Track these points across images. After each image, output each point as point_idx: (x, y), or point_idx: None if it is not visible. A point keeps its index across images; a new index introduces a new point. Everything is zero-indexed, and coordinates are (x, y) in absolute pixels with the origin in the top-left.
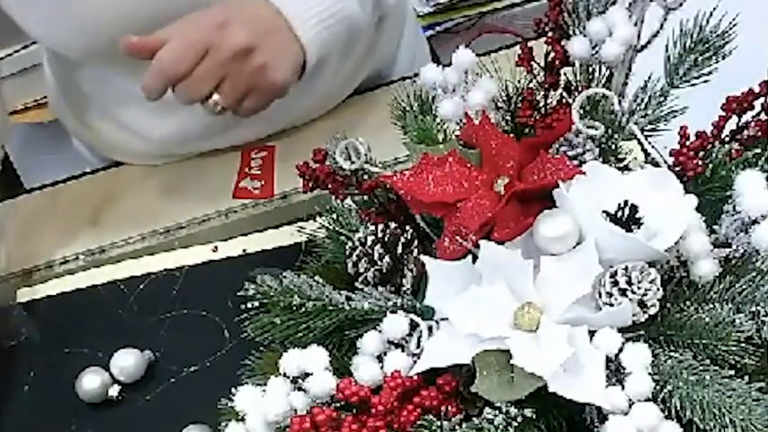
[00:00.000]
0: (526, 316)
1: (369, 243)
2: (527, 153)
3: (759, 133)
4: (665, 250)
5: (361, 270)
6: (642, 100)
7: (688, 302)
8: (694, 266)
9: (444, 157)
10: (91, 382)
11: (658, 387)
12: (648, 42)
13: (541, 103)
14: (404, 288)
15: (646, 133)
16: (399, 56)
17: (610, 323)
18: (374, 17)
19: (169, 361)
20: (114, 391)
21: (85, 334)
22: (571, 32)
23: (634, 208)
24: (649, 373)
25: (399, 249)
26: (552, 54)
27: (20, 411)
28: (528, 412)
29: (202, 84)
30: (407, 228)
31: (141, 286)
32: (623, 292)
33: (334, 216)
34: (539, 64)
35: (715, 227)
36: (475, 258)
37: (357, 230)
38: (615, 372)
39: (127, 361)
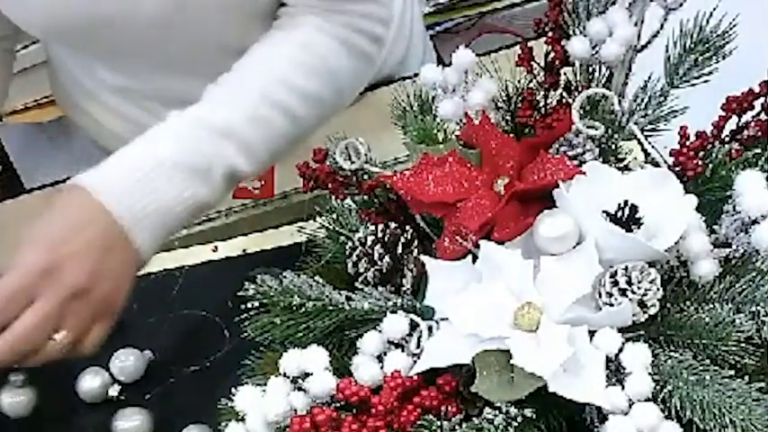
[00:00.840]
0: (526, 316)
1: (369, 243)
2: (527, 153)
3: (759, 133)
4: (665, 250)
5: (361, 270)
6: (642, 100)
7: (688, 302)
8: (694, 266)
9: (444, 157)
10: (91, 381)
11: (658, 387)
12: (648, 42)
13: (541, 103)
14: (404, 288)
15: (646, 133)
16: (409, 57)
17: (610, 323)
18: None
19: (169, 361)
20: (114, 390)
21: None
22: (571, 32)
23: (634, 208)
24: (649, 373)
25: (399, 249)
26: (552, 54)
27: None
28: (528, 412)
29: (38, 330)
30: (407, 228)
31: (141, 286)
32: (623, 292)
33: (334, 216)
34: (539, 64)
35: (715, 227)
36: (475, 258)
37: (357, 230)
38: (615, 372)
39: (127, 361)
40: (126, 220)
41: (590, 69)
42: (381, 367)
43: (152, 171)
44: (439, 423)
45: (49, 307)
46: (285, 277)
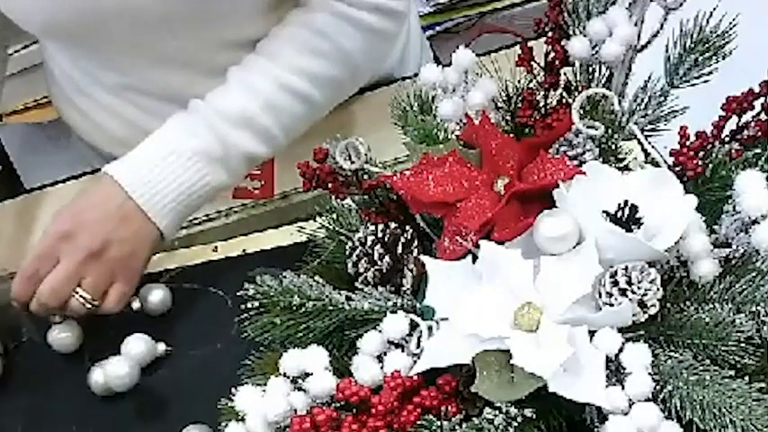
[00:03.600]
0: (526, 316)
1: (369, 243)
2: (527, 153)
3: (759, 133)
4: (665, 250)
5: (361, 270)
6: (642, 100)
7: (688, 302)
8: (694, 266)
9: (444, 157)
10: (137, 347)
11: (658, 387)
12: (648, 42)
13: (541, 103)
14: (404, 288)
15: (646, 133)
16: (407, 56)
17: (610, 323)
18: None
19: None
20: (161, 350)
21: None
22: (571, 32)
23: (634, 208)
24: (649, 373)
25: (399, 249)
26: (552, 54)
27: (21, 411)
28: (528, 412)
29: (61, 287)
30: (407, 228)
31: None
32: (623, 292)
33: (334, 216)
34: (539, 64)
35: (715, 227)
36: (475, 258)
37: (357, 230)
38: (615, 372)
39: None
40: (142, 200)
41: (590, 69)
42: (381, 367)
43: (167, 159)
44: (439, 423)
45: (68, 266)
46: (285, 277)
